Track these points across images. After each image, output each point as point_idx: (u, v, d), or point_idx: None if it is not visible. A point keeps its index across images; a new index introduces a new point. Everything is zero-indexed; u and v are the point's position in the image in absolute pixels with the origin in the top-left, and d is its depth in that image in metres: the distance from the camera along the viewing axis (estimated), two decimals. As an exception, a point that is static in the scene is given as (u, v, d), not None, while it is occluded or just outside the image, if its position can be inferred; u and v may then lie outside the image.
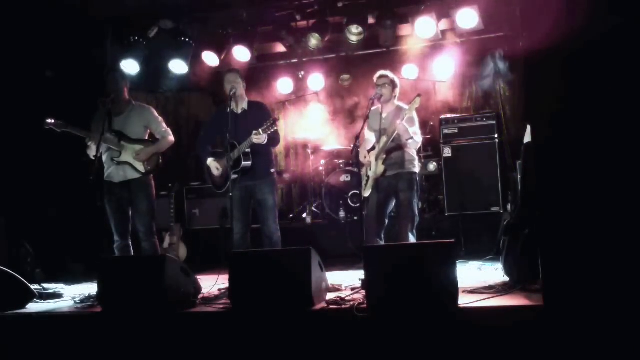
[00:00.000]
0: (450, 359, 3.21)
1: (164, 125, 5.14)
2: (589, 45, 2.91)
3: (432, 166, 6.86)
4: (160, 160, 5.11)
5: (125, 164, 4.96)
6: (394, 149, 4.96)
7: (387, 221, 5.11)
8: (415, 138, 4.89)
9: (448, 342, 3.22)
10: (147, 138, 5.12)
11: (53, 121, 4.90)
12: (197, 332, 3.68)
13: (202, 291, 4.23)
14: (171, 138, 5.13)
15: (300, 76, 7.70)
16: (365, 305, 3.44)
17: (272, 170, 5.07)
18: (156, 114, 5.16)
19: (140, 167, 4.97)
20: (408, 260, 3.43)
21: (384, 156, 4.95)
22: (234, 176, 4.79)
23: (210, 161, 5.06)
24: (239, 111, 5.00)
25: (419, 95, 4.84)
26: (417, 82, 7.29)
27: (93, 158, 4.78)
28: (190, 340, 3.67)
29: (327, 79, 7.67)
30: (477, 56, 7.15)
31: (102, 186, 4.94)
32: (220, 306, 3.87)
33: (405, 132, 4.80)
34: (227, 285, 3.92)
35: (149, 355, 3.71)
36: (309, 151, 7.70)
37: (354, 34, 6.25)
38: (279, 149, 7.79)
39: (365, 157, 5.13)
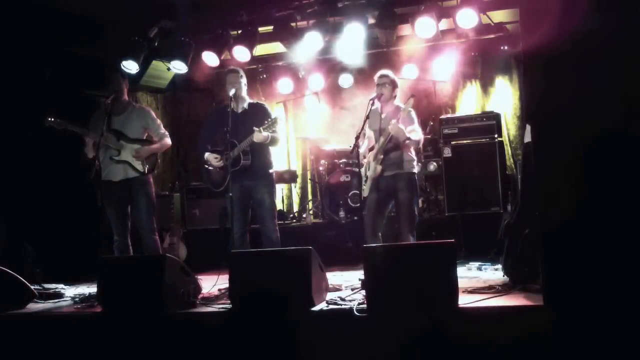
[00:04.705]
0: (450, 359, 3.21)
1: (162, 127, 5.22)
2: (588, 45, 2.91)
3: (432, 166, 6.86)
4: (159, 161, 5.19)
5: (125, 163, 4.99)
6: (392, 149, 4.96)
7: (385, 220, 5.11)
8: (413, 137, 4.87)
9: (448, 342, 3.22)
10: (145, 139, 5.16)
11: (53, 119, 4.93)
12: (197, 332, 3.68)
13: (202, 291, 4.24)
14: (168, 140, 5.22)
15: (301, 76, 7.71)
16: (365, 305, 3.44)
17: (271, 171, 5.07)
18: (155, 116, 5.24)
19: (139, 166, 5.00)
20: (408, 260, 3.43)
21: (382, 156, 4.94)
22: (233, 175, 4.79)
23: (208, 154, 5.06)
24: (239, 111, 5.01)
25: (412, 96, 4.88)
26: (417, 82, 7.29)
27: (90, 157, 4.82)
28: (190, 340, 3.67)
29: (327, 79, 7.68)
30: (477, 56, 7.15)
31: (101, 186, 4.96)
32: (220, 306, 3.87)
33: (400, 132, 4.78)
34: (227, 285, 3.93)
35: (149, 355, 3.71)
36: (309, 151, 7.71)
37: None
38: (280, 149, 7.80)
39: (364, 157, 5.14)
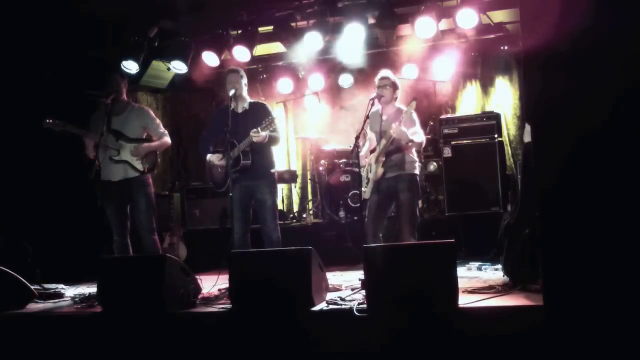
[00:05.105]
0: (450, 359, 3.21)
1: (161, 127, 5.22)
2: (588, 46, 2.91)
3: (432, 166, 6.87)
4: (159, 160, 5.18)
5: (124, 163, 5.00)
6: (394, 151, 4.95)
7: (386, 222, 5.11)
8: (415, 139, 4.87)
9: (448, 342, 3.22)
10: (144, 138, 5.16)
11: (52, 121, 4.93)
12: (197, 332, 3.68)
13: (202, 291, 4.24)
14: (168, 139, 5.21)
15: (301, 76, 7.71)
16: (365, 305, 3.44)
17: (272, 170, 5.06)
18: (154, 115, 5.24)
19: (139, 166, 5.00)
20: (408, 260, 3.43)
21: (383, 159, 4.94)
22: (233, 175, 4.79)
23: (210, 156, 5.06)
24: (240, 111, 5.01)
25: (414, 99, 4.87)
26: (417, 82, 7.29)
27: (91, 157, 4.83)
28: (191, 340, 3.67)
29: (327, 79, 7.68)
30: (477, 56, 7.15)
31: (101, 186, 4.96)
32: (220, 306, 3.87)
33: (403, 135, 4.78)
34: (227, 285, 3.93)
35: (149, 356, 3.71)
36: (309, 151, 7.71)
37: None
38: (280, 149, 7.80)
39: (366, 157, 5.14)
